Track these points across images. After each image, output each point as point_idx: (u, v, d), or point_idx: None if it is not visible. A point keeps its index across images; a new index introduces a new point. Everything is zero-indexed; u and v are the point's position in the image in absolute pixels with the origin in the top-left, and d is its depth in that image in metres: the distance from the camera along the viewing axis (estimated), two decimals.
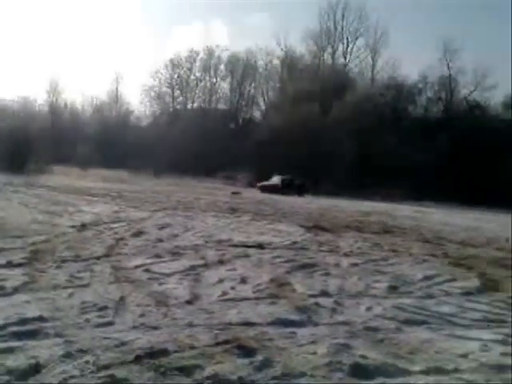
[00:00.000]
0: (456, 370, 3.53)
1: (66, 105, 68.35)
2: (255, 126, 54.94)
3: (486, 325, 4.72)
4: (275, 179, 35.32)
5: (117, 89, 68.73)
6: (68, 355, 3.31)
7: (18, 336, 3.65)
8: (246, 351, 3.60)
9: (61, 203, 13.70)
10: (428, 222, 16.48)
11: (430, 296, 5.74)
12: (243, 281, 5.87)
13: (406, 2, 79.77)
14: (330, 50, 59.15)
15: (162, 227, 10.06)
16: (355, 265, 7.33)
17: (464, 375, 3.46)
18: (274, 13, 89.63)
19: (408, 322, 4.61)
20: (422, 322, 4.65)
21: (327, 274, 6.57)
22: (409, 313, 4.93)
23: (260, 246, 8.46)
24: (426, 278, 6.71)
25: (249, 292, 5.38)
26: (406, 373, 3.44)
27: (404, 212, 20.83)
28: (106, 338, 3.67)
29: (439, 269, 7.48)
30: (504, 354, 3.90)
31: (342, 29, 58.08)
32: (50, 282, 5.19)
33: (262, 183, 35.37)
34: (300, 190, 32.65)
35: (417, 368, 3.52)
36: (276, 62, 63.23)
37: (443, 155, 39.15)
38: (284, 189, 32.37)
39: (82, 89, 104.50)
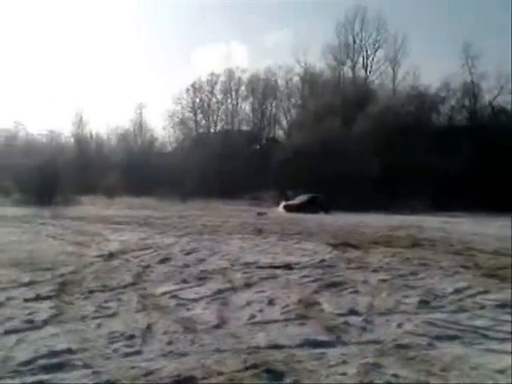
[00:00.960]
0: None
1: (91, 135, 69.88)
2: (279, 145, 55.04)
3: None
4: (300, 198, 35.28)
5: (140, 116, 69.86)
6: None
7: (47, 369, 3.66)
8: (275, 375, 3.55)
9: (88, 233, 13.85)
10: (457, 232, 16.18)
11: (463, 309, 5.59)
12: (271, 303, 5.81)
13: (424, 11, 79.71)
14: (349, 63, 59.29)
15: (188, 252, 10.08)
16: (384, 281, 7.21)
17: None
18: (292, 30, 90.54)
19: (440, 338, 4.48)
20: (455, 337, 4.52)
21: (356, 292, 6.46)
22: (441, 328, 4.81)
23: (287, 267, 8.39)
24: (458, 290, 6.56)
25: (277, 314, 5.32)
26: None
27: (432, 224, 20.50)
28: (133, 368, 3.66)
29: (471, 281, 7.31)
30: None
31: (361, 41, 58.26)
32: (78, 313, 5.22)
33: (286, 202, 35.35)
34: (326, 208, 32.45)
35: None
36: (296, 79, 63.57)
37: (469, 163, 38.58)
38: (309, 207, 32.23)
39: (107, 119, 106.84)
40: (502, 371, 3.70)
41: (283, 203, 35.40)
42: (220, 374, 3.58)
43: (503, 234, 15.92)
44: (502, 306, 5.81)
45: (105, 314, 5.22)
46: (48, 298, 5.88)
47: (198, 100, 67.16)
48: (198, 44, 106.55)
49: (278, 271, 7.95)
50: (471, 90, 49.17)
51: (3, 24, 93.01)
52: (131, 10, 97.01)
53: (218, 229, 16.04)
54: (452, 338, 4.50)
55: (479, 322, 5.02)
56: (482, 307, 5.72)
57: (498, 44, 71.73)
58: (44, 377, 3.52)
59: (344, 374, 3.61)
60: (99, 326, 4.77)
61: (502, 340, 4.49)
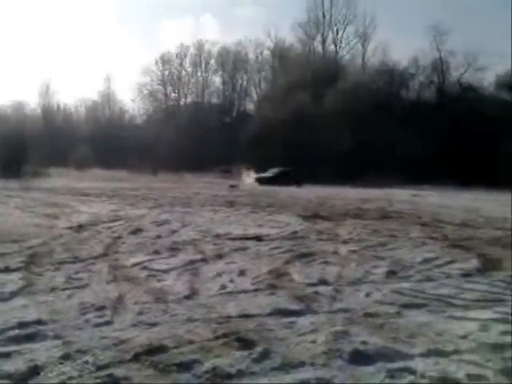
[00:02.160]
0: (456, 351, 3.52)
1: (58, 107, 68.41)
2: (249, 118, 54.83)
3: (486, 305, 4.71)
4: (272, 171, 35.35)
5: (109, 88, 68.63)
6: (67, 356, 3.29)
7: (17, 340, 3.62)
8: (245, 343, 3.58)
9: (57, 205, 13.67)
10: (426, 205, 16.48)
11: (430, 279, 5.72)
12: (242, 273, 5.85)
13: None
14: (319, 38, 59.12)
15: (159, 224, 10.05)
16: (354, 252, 7.32)
17: (464, 356, 3.45)
18: (263, 5, 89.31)
19: (407, 306, 4.59)
20: (422, 306, 4.63)
21: (326, 263, 6.54)
22: (408, 297, 4.92)
23: (258, 238, 8.44)
24: (425, 261, 6.70)
25: (247, 284, 5.36)
26: (406, 356, 3.43)
27: (402, 197, 20.81)
28: (104, 338, 3.65)
29: (438, 251, 7.47)
30: (504, 333, 3.89)
31: (331, 17, 58.10)
32: (48, 284, 5.17)
33: (259, 175, 35.39)
34: (297, 181, 32.59)
35: (417, 351, 3.51)
36: (267, 53, 63.20)
37: (438, 138, 39.14)
38: (281, 180, 32.34)
39: (74, 90, 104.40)
40: (464, 337, 3.82)
41: (254, 175, 35.47)
42: (191, 342, 3.61)
43: (470, 206, 16.28)
44: (467, 275, 5.97)
45: (75, 285, 5.19)
46: (17, 269, 5.80)
47: (167, 72, 66.32)
48: (167, 16, 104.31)
49: (250, 243, 7.99)
50: (440, 67, 49.54)
51: None
52: None
53: (189, 201, 16.02)
54: (419, 306, 4.61)
55: (445, 291, 5.14)
56: (448, 276, 5.86)
57: (467, 21, 72.09)
58: (13, 348, 3.48)
59: (314, 341, 3.67)
60: (70, 297, 4.74)
61: (466, 307, 4.63)
